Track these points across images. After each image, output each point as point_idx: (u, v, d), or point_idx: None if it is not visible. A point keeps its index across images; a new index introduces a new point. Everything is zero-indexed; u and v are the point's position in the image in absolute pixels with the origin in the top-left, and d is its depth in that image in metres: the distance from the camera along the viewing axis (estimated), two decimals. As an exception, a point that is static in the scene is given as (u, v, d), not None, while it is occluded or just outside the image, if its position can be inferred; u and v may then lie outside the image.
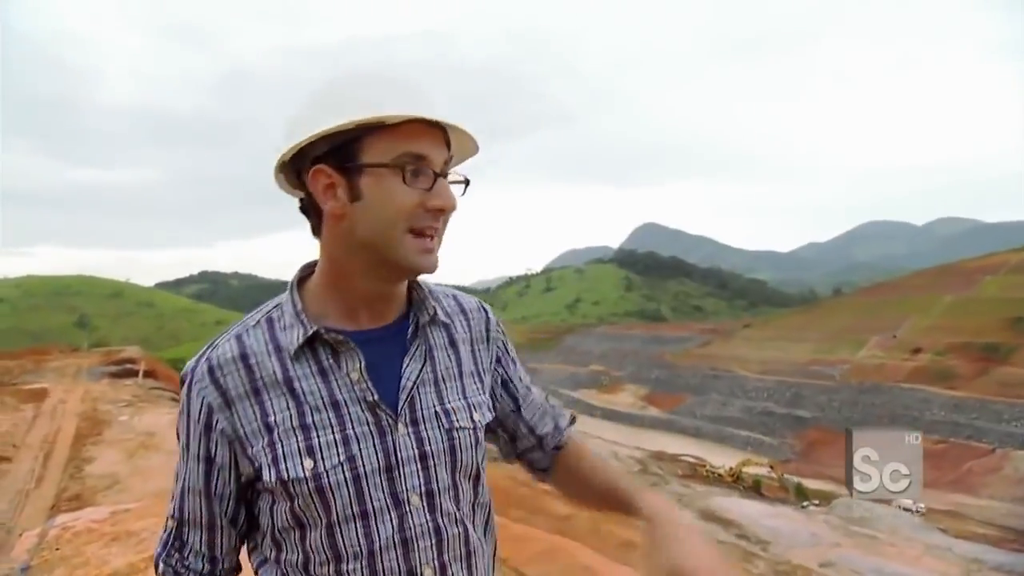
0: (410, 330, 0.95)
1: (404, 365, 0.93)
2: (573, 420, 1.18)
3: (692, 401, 68.16)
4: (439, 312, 0.98)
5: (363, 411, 0.89)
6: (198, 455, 0.92)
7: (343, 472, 0.87)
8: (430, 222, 0.87)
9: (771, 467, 38.87)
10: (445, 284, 1.12)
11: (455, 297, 1.07)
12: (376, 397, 0.89)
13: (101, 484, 6.95)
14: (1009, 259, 76.90)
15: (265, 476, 0.88)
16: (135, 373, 19.09)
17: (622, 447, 50.93)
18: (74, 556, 4.56)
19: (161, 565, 0.97)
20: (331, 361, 0.90)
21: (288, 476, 0.86)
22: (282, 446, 0.87)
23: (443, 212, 0.88)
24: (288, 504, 0.89)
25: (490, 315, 1.08)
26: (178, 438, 0.95)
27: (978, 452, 44.57)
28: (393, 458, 0.89)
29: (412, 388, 0.92)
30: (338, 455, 0.87)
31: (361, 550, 0.88)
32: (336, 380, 0.90)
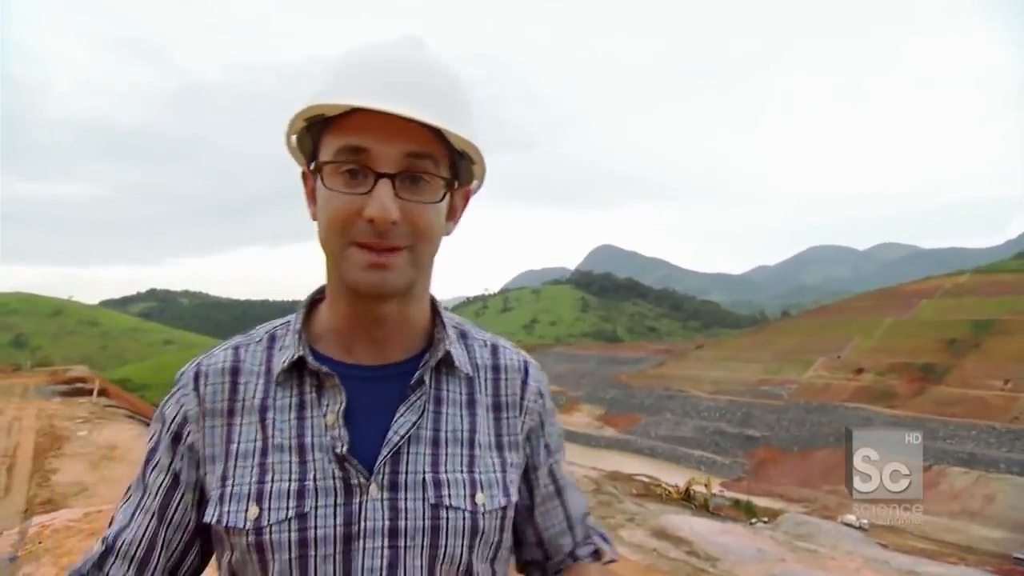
0: (416, 375, 0.77)
1: (397, 415, 0.75)
2: (599, 556, 0.90)
3: (647, 421, 69.13)
4: (458, 360, 0.80)
5: (330, 463, 0.73)
6: (165, 467, 0.78)
7: (288, 531, 0.70)
8: (368, 236, 0.70)
9: (705, 485, 39.88)
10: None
11: (495, 348, 0.87)
12: (345, 448, 0.72)
13: (70, 491, 7.13)
14: (944, 283, 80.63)
15: (208, 514, 0.74)
16: (87, 392, 18.69)
17: (579, 467, 51.43)
18: (57, 548, 4.89)
19: None
20: (313, 395, 0.76)
21: (225, 522, 0.72)
22: (232, 483, 0.73)
23: (374, 224, 0.69)
24: (229, 555, 0.74)
25: (530, 380, 0.86)
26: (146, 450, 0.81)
27: (916, 469, 46.45)
28: (355, 527, 0.71)
29: (399, 443, 0.74)
30: (287, 509, 0.71)
31: None
32: (311, 419, 0.75)
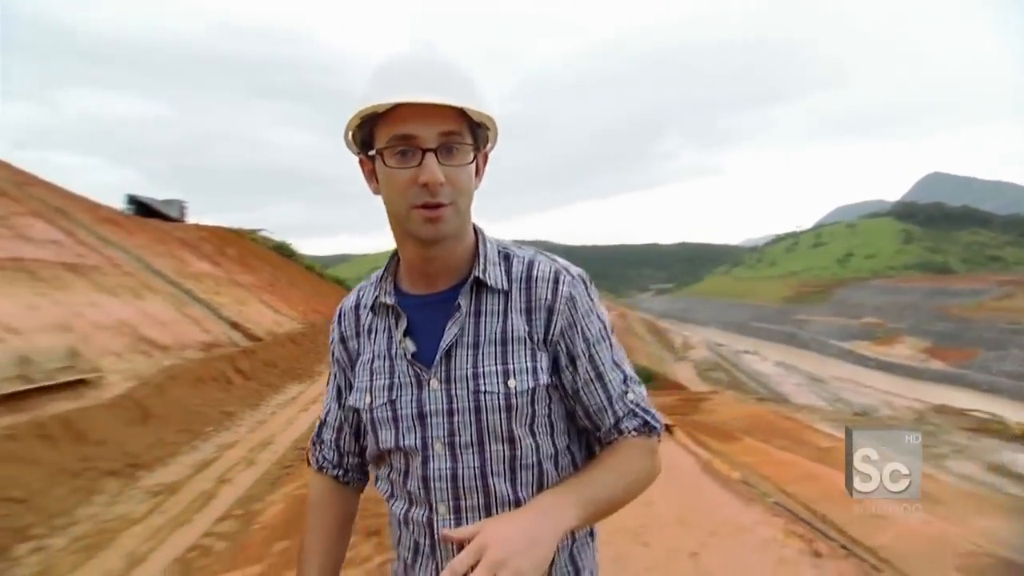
0: (459, 297, 0.91)
1: (446, 329, 0.90)
2: (648, 428, 0.94)
3: (986, 356, 55.77)
4: (491, 279, 0.91)
5: (406, 366, 0.91)
6: (334, 375, 1.05)
7: (386, 411, 0.92)
8: (426, 197, 0.83)
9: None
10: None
11: (530, 263, 0.93)
12: (411, 355, 0.91)
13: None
14: None
15: (347, 399, 1.01)
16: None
17: (899, 398, 44.62)
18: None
19: (310, 452, 1.11)
20: (392, 320, 0.94)
21: (354, 404, 0.97)
22: (358, 380, 0.97)
23: (427, 187, 0.82)
24: (363, 424, 1.00)
25: (562, 287, 0.91)
26: None
27: None
28: (425, 408, 0.90)
29: (446, 349, 0.89)
30: (384, 397, 0.92)
31: (401, 475, 0.94)
32: (392, 337, 0.94)
